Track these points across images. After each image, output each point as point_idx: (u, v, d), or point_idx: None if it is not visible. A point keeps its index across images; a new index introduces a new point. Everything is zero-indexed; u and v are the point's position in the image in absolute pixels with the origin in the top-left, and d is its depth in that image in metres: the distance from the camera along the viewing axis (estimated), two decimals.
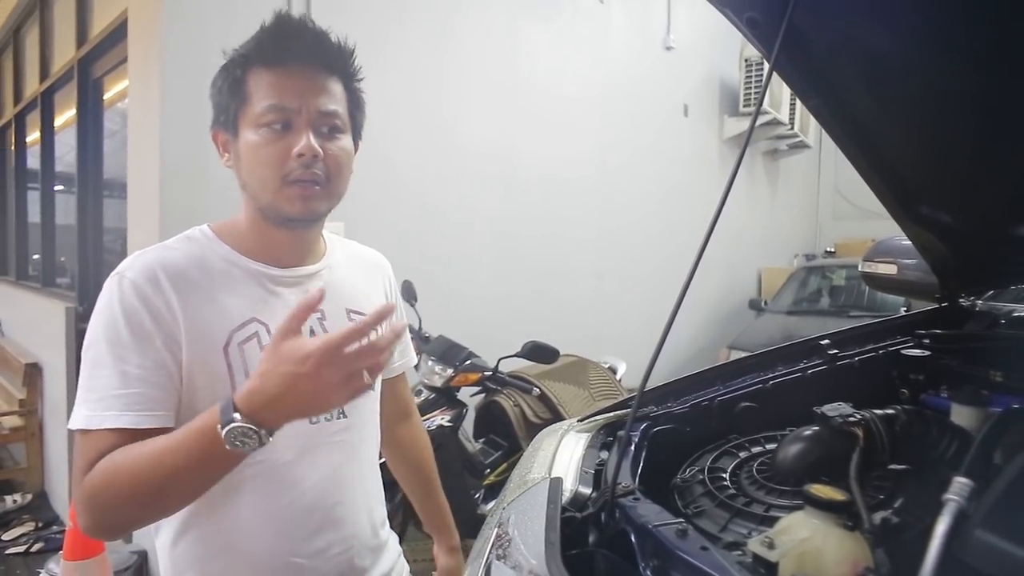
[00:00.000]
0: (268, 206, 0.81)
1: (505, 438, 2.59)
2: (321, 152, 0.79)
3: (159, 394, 0.75)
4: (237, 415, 0.64)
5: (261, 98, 0.78)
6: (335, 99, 0.82)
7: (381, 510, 0.99)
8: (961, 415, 1.02)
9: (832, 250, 6.75)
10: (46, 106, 3.94)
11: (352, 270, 0.97)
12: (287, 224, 0.83)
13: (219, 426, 0.64)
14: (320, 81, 0.81)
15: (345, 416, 0.89)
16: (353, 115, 0.86)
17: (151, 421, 0.73)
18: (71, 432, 0.75)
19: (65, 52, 3.49)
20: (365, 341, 0.65)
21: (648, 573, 0.70)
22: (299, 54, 0.79)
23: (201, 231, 0.87)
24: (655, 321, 0.95)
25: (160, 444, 0.69)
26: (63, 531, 2.34)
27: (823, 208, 8.45)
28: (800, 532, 0.67)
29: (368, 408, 0.94)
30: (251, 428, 0.64)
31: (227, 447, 0.64)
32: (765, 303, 5.71)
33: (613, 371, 3.10)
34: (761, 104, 1.06)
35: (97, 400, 0.73)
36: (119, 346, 0.74)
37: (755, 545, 0.67)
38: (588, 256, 4.29)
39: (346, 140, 0.84)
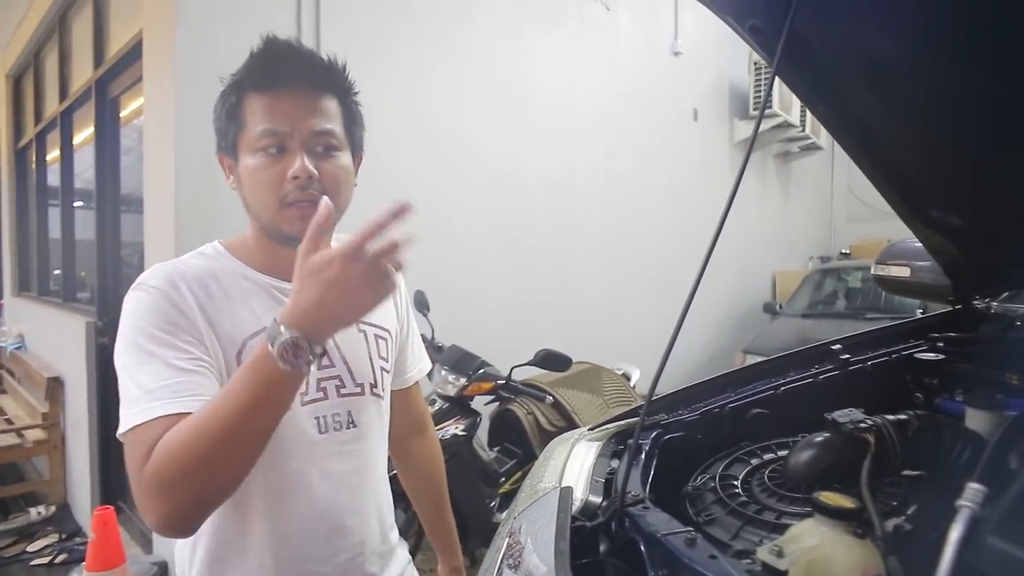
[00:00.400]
0: (269, 226, 0.84)
1: (519, 446, 2.60)
2: (316, 173, 0.80)
3: (206, 380, 0.76)
4: (282, 328, 0.64)
5: (255, 123, 0.80)
6: (329, 118, 0.83)
7: (390, 516, 1.00)
8: (976, 419, 1.01)
9: (847, 252, 6.68)
10: (65, 125, 4.03)
11: None
12: (289, 243, 0.85)
13: (269, 345, 0.64)
14: (312, 102, 0.82)
15: (355, 426, 0.90)
16: (350, 130, 0.87)
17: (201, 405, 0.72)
18: (118, 438, 0.73)
19: (83, 72, 3.58)
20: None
21: None
22: (288, 77, 0.81)
23: (213, 247, 0.89)
24: (667, 326, 0.95)
25: (215, 399, 0.69)
26: (86, 542, 2.38)
27: (837, 210, 8.37)
28: (809, 540, 0.67)
29: (377, 417, 0.95)
30: (299, 338, 0.64)
31: (280, 366, 0.64)
32: (780, 306, 5.66)
33: (627, 378, 3.09)
34: (762, 113, 1.06)
35: (145, 394, 0.72)
36: (155, 344, 0.75)
37: (764, 553, 0.67)
38: (599, 262, 4.28)
39: (343, 157, 0.85)
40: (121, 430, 0.72)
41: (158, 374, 0.73)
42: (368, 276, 0.65)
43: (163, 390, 0.72)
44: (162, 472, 0.67)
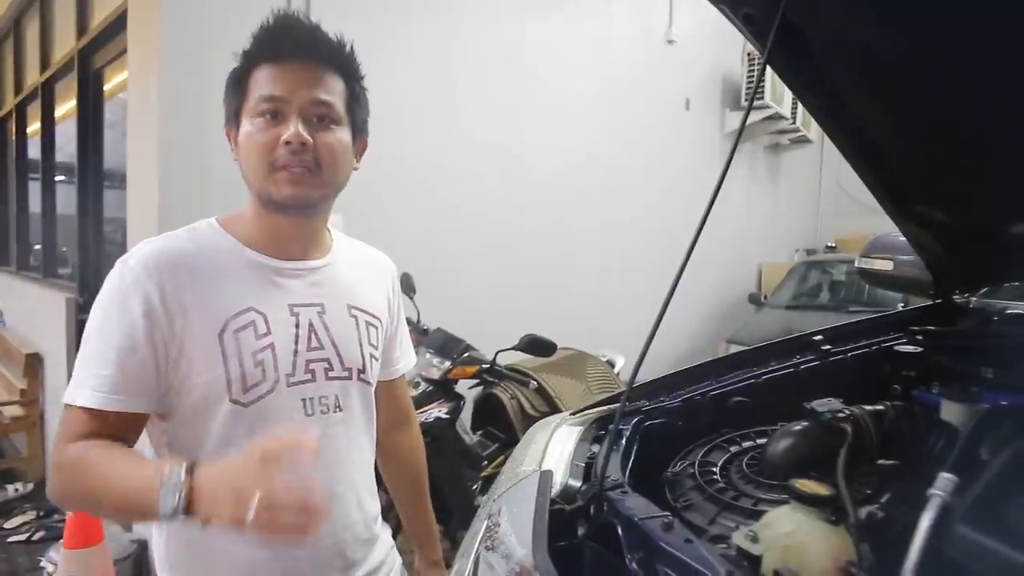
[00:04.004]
0: (260, 191, 0.84)
1: (502, 430, 2.61)
2: (310, 140, 0.81)
3: (126, 380, 0.78)
4: (182, 471, 0.66)
5: (257, 90, 0.82)
6: (329, 91, 0.84)
7: (374, 505, 0.99)
8: (951, 411, 1.02)
9: (832, 245, 6.75)
10: (47, 96, 3.94)
11: (356, 269, 0.99)
12: (282, 211, 0.85)
13: (167, 468, 0.67)
14: (314, 73, 0.83)
15: (341, 410, 0.90)
16: (352, 110, 0.88)
17: (115, 404, 0.77)
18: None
19: (65, 43, 3.49)
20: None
21: (634, 565, 0.71)
22: (292, 48, 0.82)
23: (208, 223, 0.89)
24: (656, 315, 0.96)
25: (110, 470, 0.74)
26: (64, 520, 2.36)
27: (825, 203, 8.43)
28: (784, 526, 0.68)
29: (363, 403, 0.95)
30: (181, 485, 0.65)
31: (156, 491, 0.66)
32: (765, 297, 5.71)
33: (611, 365, 3.10)
34: (752, 101, 1.06)
35: (79, 378, 0.78)
36: (107, 328, 0.79)
37: (739, 538, 0.68)
38: (589, 249, 4.29)
39: (341, 132, 0.85)
40: (63, 399, 0.79)
41: (91, 360, 0.78)
42: (243, 491, 0.62)
43: (90, 379, 0.77)
44: (59, 475, 0.77)
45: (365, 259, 1.03)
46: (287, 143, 0.80)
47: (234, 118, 0.85)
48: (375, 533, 0.98)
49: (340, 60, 0.86)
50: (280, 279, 0.87)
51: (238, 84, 0.84)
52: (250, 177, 0.84)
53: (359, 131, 0.91)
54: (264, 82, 0.82)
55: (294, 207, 0.85)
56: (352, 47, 0.87)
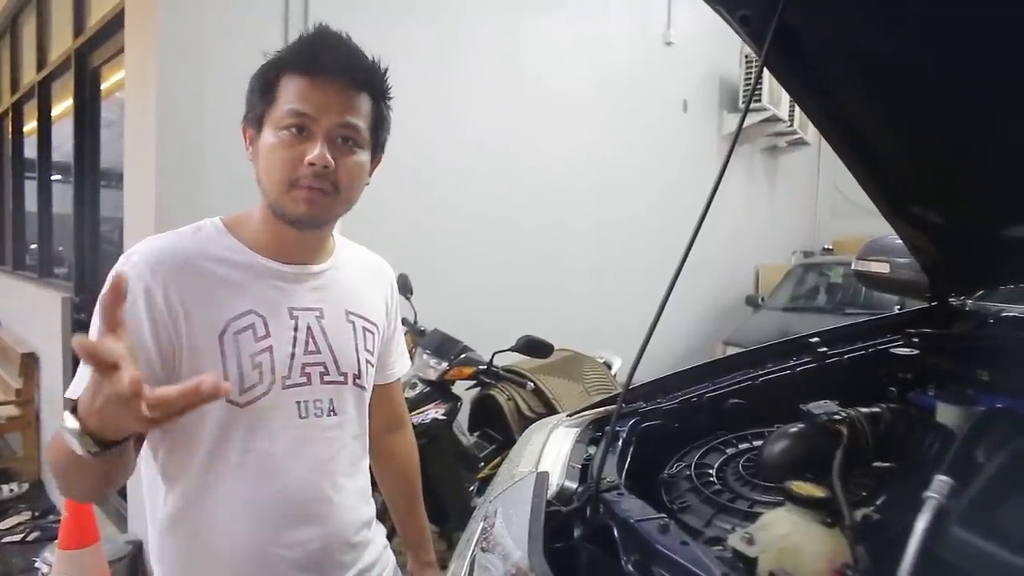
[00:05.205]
0: (275, 204, 0.84)
1: (499, 432, 2.61)
2: (332, 163, 0.81)
3: None
4: (67, 415, 0.64)
5: (286, 101, 0.81)
6: (358, 114, 0.84)
7: (367, 510, 0.99)
8: (947, 414, 1.02)
9: (830, 247, 6.75)
10: (43, 95, 3.93)
11: (356, 274, 0.99)
12: (294, 225, 0.86)
13: (60, 432, 0.66)
14: (346, 95, 0.83)
15: (335, 414, 0.90)
16: (376, 131, 0.88)
17: None
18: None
19: (62, 41, 3.48)
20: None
21: (630, 567, 0.71)
22: (330, 66, 0.82)
23: (212, 223, 0.89)
24: (653, 316, 0.97)
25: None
26: (59, 520, 2.36)
27: (822, 205, 8.43)
28: (780, 528, 0.68)
29: (357, 408, 0.95)
30: (75, 429, 0.63)
31: (66, 440, 0.64)
32: (762, 299, 5.71)
33: (608, 366, 3.10)
34: (749, 104, 1.07)
35: (78, 374, 0.77)
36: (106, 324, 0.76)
37: (735, 540, 0.68)
38: (586, 250, 4.29)
39: (362, 155, 0.86)
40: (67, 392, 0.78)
41: None
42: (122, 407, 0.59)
43: (86, 375, 0.73)
44: (49, 463, 0.74)
45: (365, 264, 1.04)
46: (311, 164, 0.80)
47: (256, 121, 0.85)
48: (367, 537, 0.98)
49: (373, 82, 0.86)
50: (282, 283, 0.88)
51: (267, 89, 0.83)
52: (267, 188, 0.84)
53: (378, 150, 0.91)
54: (294, 94, 0.81)
55: (307, 225, 0.86)
56: (387, 70, 0.88)
